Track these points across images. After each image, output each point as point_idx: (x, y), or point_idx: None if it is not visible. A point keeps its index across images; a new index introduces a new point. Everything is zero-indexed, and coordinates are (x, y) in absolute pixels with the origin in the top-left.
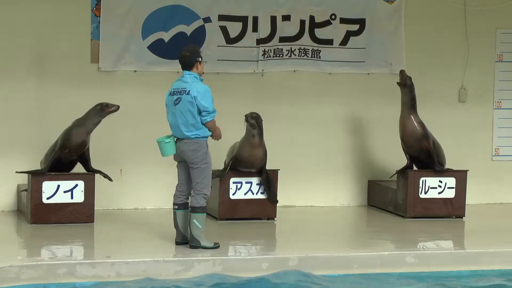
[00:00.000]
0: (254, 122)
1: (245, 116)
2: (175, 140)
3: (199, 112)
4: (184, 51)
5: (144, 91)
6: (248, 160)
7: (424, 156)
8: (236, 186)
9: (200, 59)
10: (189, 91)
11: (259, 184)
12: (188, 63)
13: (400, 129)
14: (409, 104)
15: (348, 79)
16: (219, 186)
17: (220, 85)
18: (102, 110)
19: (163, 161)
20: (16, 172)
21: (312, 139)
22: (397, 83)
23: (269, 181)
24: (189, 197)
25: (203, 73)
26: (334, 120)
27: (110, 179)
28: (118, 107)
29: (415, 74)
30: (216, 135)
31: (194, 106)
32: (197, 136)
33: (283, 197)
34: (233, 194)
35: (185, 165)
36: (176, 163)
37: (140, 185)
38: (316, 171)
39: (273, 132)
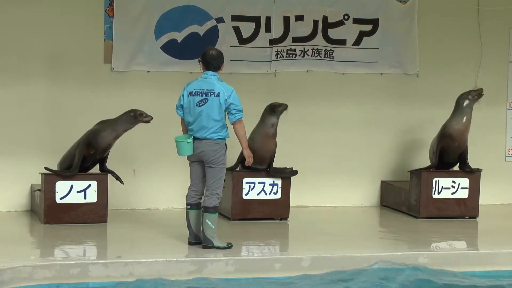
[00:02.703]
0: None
1: (277, 104)
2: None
3: (228, 112)
4: (212, 52)
5: (157, 92)
6: (259, 151)
7: (457, 157)
8: (249, 186)
9: (223, 61)
10: (218, 93)
11: (272, 185)
12: (215, 64)
13: (454, 130)
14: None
15: (361, 79)
16: (232, 186)
17: (233, 85)
18: (135, 118)
19: (176, 161)
20: (45, 168)
21: (325, 139)
22: (476, 97)
23: (279, 172)
24: (202, 197)
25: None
26: (347, 120)
27: (121, 182)
28: (151, 118)
29: (428, 74)
30: (247, 154)
31: (224, 108)
32: (219, 137)
33: (295, 197)
34: (246, 195)
35: (200, 165)
36: (188, 162)
37: (153, 186)
38: (329, 171)
39: (286, 132)
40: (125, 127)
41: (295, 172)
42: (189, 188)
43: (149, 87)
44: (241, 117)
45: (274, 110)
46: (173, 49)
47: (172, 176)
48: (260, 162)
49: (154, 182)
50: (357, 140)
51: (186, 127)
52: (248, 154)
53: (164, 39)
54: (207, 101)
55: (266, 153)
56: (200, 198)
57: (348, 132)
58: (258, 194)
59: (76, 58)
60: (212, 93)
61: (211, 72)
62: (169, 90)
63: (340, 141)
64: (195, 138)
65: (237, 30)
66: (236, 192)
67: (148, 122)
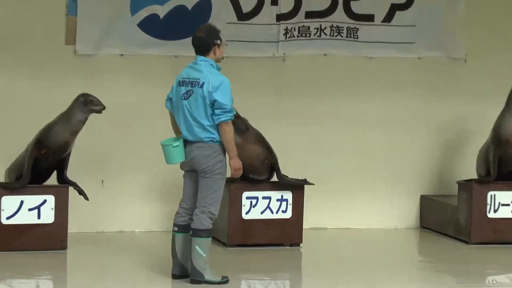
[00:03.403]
0: None
1: None
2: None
3: (213, 110)
4: (199, 32)
5: (134, 80)
6: (244, 161)
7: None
8: (251, 202)
9: (218, 41)
10: (203, 83)
11: (280, 201)
12: (203, 47)
13: (510, 133)
14: None
15: (393, 65)
16: (229, 202)
17: (229, 72)
18: (85, 104)
19: (159, 170)
20: None
21: (347, 143)
22: None
23: (290, 182)
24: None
25: (222, 58)
26: (376, 118)
27: (86, 197)
28: (103, 108)
29: (478, 59)
30: (233, 165)
31: (208, 102)
32: (212, 139)
33: (311, 217)
34: (247, 213)
35: (194, 176)
36: (182, 172)
37: (127, 201)
38: (353, 183)
39: (297, 133)
40: (79, 117)
41: (309, 183)
42: (179, 204)
43: (123, 75)
44: (227, 120)
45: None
46: (153, 27)
47: (152, 189)
48: (254, 172)
49: (129, 197)
50: (389, 143)
51: (177, 125)
52: (235, 165)
53: (143, 14)
54: (192, 93)
55: (252, 161)
56: (192, 219)
57: (378, 132)
58: (262, 212)
59: (31, 38)
60: (196, 83)
61: (202, 57)
62: (150, 78)
63: (367, 145)
64: (186, 141)
65: (235, 2)
66: (234, 210)
67: (98, 112)
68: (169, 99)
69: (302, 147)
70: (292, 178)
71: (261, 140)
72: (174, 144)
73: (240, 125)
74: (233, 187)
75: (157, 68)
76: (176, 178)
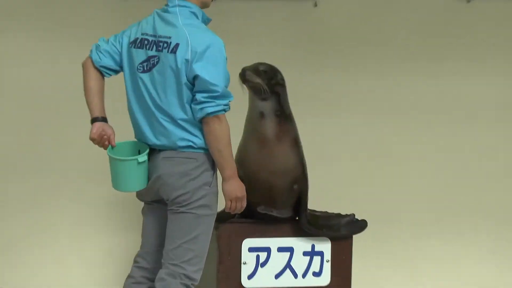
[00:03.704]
0: (259, 82)
1: (242, 71)
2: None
3: (193, 93)
4: None
5: (51, 40)
6: (256, 182)
7: None
8: (257, 258)
9: None
10: (176, 45)
11: (310, 255)
12: None
13: None
14: None
15: (505, 16)
16: (218, 258)
17: (224, 26)
18: None
19: (99, 198)
20: None
21: (423, 148)
22: None
23: (325, 224)
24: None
25: (212, 0)
26: (476, 105)
27: None
28: None
29: None
30: (228, 193)
31: (184, 79)
32: (191, 144)
33: (363, 283)
34: (250, 277)
35: (160, 212)
36: (141, 204)
37: (40, 248)
38: (435, 223)
39: (334, 128)
40: None
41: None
42: (134, 261)
43: (32, 32)
44: (218, 112)
45: (243, 76)
46: None
47: (85, 232)
48: (269, 202)
49: (44, 241)
50: (498, 148)
51: (93, 83)
52: (232, 192)
53: None
54: (157, 62)
55: (277, 179)
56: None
57: (475, 131)
58: (277, 276)
59: None
60: (165, 45)
61: (177, 0)
62: (79, 36)
63: (457, 152)
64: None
65: None
66: (226, 271)
67: None
68: (108, 51)
69: (342, 151)
70: (328, 215)
71: (297, 145)
72: (140, 159)
73: (285, 103)
74: (225, 229)
75: (92, 19)
76: (129, 213)
